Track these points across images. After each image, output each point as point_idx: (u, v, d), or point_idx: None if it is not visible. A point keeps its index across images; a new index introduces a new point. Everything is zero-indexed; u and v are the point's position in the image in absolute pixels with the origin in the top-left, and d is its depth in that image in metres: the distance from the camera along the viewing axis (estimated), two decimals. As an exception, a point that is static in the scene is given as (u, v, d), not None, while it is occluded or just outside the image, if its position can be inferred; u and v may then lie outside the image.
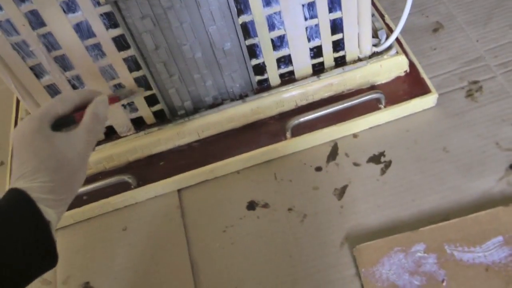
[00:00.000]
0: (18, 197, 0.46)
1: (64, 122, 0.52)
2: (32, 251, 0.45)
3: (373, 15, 0.76)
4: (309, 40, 0.68)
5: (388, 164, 0.68)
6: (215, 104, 0.73)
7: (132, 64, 0.66)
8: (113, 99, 0.63)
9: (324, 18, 0.66)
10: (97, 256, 0.69)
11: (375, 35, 0.73)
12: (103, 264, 0.68)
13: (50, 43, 0.62)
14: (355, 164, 0.68)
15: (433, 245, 0.60)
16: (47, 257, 0.47)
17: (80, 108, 0.54)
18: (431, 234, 0.61)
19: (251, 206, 0.68)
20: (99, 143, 0.73)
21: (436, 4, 0.84)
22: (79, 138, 0.52)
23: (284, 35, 0.67)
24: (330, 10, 0.66)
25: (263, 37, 0.66)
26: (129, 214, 0.71)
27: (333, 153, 0.70)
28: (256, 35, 0.66)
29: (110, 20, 0.61)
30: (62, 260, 0.65)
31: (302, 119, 0.68)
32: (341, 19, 0.67)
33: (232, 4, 0.62)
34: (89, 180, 0.71)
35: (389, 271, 0.60)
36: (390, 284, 0.59)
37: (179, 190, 0.72)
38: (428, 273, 0.59)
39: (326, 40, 0.68)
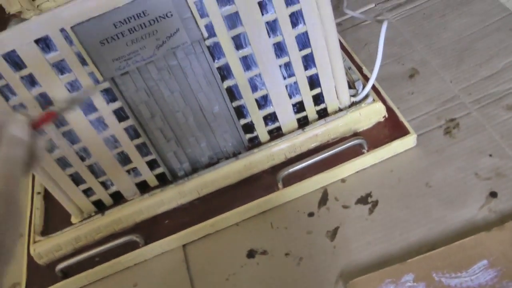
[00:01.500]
0: None
1: None
2: None
3: (349, 68, 0.82)
4: (290, 97, 0.74)
5: (375, 204, 0.72)
6: (211, 163, 0.78)
7: (132, 133, 0.72)
8: (48, 116, 0.50)
9: (301, 75, 0.72)
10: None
11: (352, 86, 0.79)
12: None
13: (58, 120, 0.69)
14: (345, 207, 0.73)
15: (422, 274, 0.64)
16: None
17: None
18: (419, 264, 0.65)
19: (251, 254, 0.72)
20: (107, 207, 0.79)
21: (411, 52, 0.90)
22: None
23: (266, 94, 0.73)
24: (306, 68, 0.72)
25: (248, 98, 0.73)
26: (138, 271, 0.76)
27: (324, 199, 0.75)
28: (241, 97, 0.72)
29: (109, 95, 0.68)
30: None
31: (291, 170, 0.73)
32: (317, 75, 0.73)
33: (215, 71, 0.69)
34: (101, 242, 0.77)
35: (382, 303, 0.63)
36: (384, 314, 0.62)
37: (184, 245, 0.77)
38: (419, 301, 0.62)
39: (306, 95, 0.74)
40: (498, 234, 0.64)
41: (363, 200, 0.73)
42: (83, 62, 0.64)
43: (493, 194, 0.69)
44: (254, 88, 0.72)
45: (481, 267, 0.63)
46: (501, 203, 0.68)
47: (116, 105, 0.69)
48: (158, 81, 0.68)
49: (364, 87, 0.77)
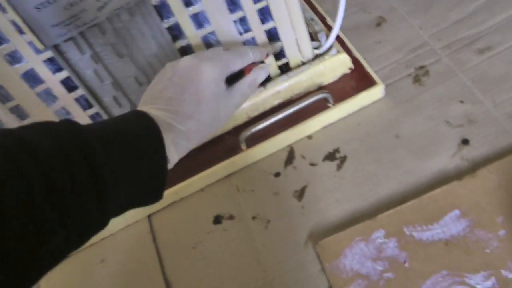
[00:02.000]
0: (147, 121, 0.48)
1: (233, 77, 0.56)
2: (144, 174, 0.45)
3: (312, 19, 0.78)
4: (244, 43, 0.70)
5: (343, 160, 0.69)
6: (173, 128, 0.75)
7: (85, 103, 0.69)
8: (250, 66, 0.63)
9: (258, 30, 0.68)
10: (81, 292, 0.71)
11: (315, 38, 0.75)
12: (86, 300, 0.70)
13: (2, 95, 0.65)
14: (312, 164, 0.70)
15: (393, 230, 0.61)
16: (154, 187, 0.47)
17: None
18: (390, 219, 0.62)
19: (217, 220, 0.69)
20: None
21: (376, 0, 0.86)
22: (235, 99, 0.56)
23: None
24: (263, 22, 0.68)
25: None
26: (105, 246, 0.73)
27: (290, 157, 0.72)
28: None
29: (54, 65, 0.64)
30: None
31: (254, 129, 0.70)
32: (275, 28, 0.69)
33: (165, 31, 0.65)
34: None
35: (352, 261, 0.61)
36: (355, 273, 0.60)
37: (149, 216, 0.74)
38: (390, 257, 0.60)
39: (264, 50, 0.70)
40: (470, 182, 0.62)
41: (330, 157, 0.70)
42: (20, 31, 0.60)
43: (465, 142, 0.66)
44: (209, 46, 0.68)
45: (453, 217, 0.60)
46: (473, 150, 0.65)
47: (63, 74, 0.65)
48: (104, 46, 0.64)
49: (327, 38, 0.73)
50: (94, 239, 0.73)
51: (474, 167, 0.63)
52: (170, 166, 0.50)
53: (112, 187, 0.42)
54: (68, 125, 0.43)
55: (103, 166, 0.41)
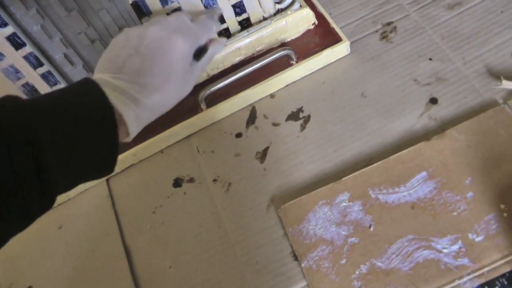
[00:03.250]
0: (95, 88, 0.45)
1: (199, 52, 0.55)
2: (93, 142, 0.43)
3: (274, -29, 0.74)
4: (206, 8, 0.66)
5: (307, 119, 0.66)
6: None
7: (34, 61, 0.64)
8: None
9: (218, -19, 0.64)
10: (37, 258, 0.67)
11: (278, -8, 0.71)
12: (43, 266, 0.67)
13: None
14: (274, 125, 0.67)
15: (357, 193, 0.59)
16: (106, 157, 0.45)
17: None
18: (354, 182, 0.60)
19: (177, 183, 0.66)
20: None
21: (343, -48, 0.81)
22: (197, 72, 0.55)
23: (179, 7, 0.65)
24: (223, -28, 0.64)
25: (158, 13, 0.64)
26: (62, 212, 0.70)
27: (252, 117, 0.68)
28: (150, 12, 0.64)
29: (-1, 20, 0.59)
30: (2, 268, 0.65)
31: (213, 88, 0.66)
32: (236, -20, 0.65)
33: (116, -18, 0.60)
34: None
35: (316, 226, 0.58)
36: (318, 239, 0.58)
37: (107, 179, 0.70)
38: (355, 221, 0.58)
39: (224, 4, 0.66)
40: (438, 143, 0.59)
41: (294, 116, 0.67)
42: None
43: (433, 100, 0.63)
44: (164, 1, 0.64)
45: (420, 179, 0.58)
46: (442, 109, 0.63)
47: (8, 30, 0.60)
48: (51, 0, 0.59)
49: (290, -8, 0.70)
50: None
51: (442, 127, 0.61)
52: (129, 139, 0.48)
53: (56, 168, 0.40)
54: (8, 104, 0.40)
55: (45, 149, 0.39)
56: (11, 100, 0.41)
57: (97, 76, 0.49)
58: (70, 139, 0.41)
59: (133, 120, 0.47)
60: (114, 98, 0.45)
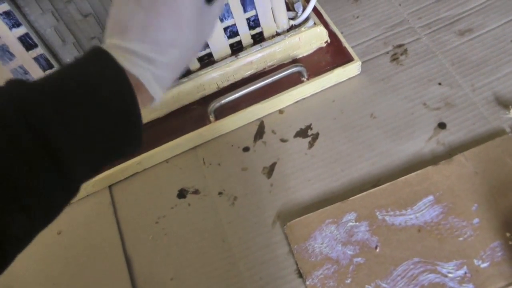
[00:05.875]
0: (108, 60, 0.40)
1: None
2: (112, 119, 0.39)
3: (289, -13, 0.74)
4: (222, 21, 0.66)
5: (315, 137, 0.66)
6: (137, 95, 0.70)
7: (44, 63, 0.64)
8: None
9: (233, -5, 0.64)
10: (35, 264, 0.66)
11: (291, 8, 0.71)
12: (41, 271, 0.65)
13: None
14: (282, 140, 0.67)
15: (364, 213, 0.59)
16: (127, 128, 0.41)
17: None
18: (362, 202, 0.60)
19: (182, 194, 0.66)
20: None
21: (356, -28, 0.82)
22: (215, 13, 0.47)
23: (195, 17, 0.65)
24: (238, -13, 0.64)
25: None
26: (62, 217, 0.67)
27: (260, 132, 0.68)
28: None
29: (11, 19, 0.59)
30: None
31: (223, 101, 0.66)
32: (251, -5, 0.65)
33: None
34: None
35: (322, 245, 0.58)
36: (324, 257, 0.58)
37: (110, 186, 0.70)
38: (361, 241, 0.58)
39: (239, 18, 0.66)
40: (446, 168, 0.60)
41: (302, 133, 0.67)
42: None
43: (442, 125, 0.64)
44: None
45: (427, 203, 0.58)
46: (450, 135, 0.63)
47: (21, 31, 0.60)
48: (66, 3, 0.59)
49: (304, 9, 0.70)
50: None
51: (450, 152, 0.61)
52: (156, 103, 0.44)
53: (70, 150, 0.37)
54: (14, 88, 0.37)
55: (52, 130, 0.36)
56: (13, 84, 0.38)
57: (106, 42, 0.43)
58: (80, 114, 0.38)
59: (152, 81, 0.42)
60: (125, 62, 0.41)
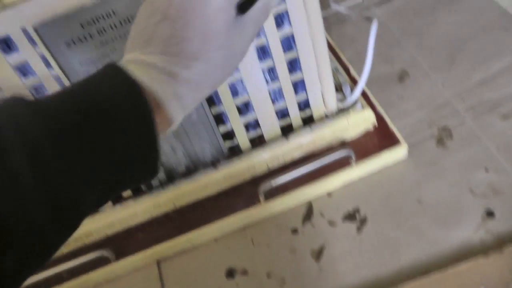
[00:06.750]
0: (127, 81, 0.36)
1: (243, 3, 0.41)
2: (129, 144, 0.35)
3: (336, 69, 0.76)
4: (273, 103, 0.68)
5: (363, 221, 0.67)
6: (188, 172, 0.72)
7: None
8: None
9: (285, 80, 0.67)
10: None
11: (339, 89, 0.73)
12: None
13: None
14: (331, 224, 0.68)
15: (415, 303, 0.59)
16: (141, 152, 0.36)
17: None
18: (412, 291, 0.60)
19: (230, 273, 0.67)
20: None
21: (400, 51, 0.84)
22: (249, 30, 0.42)
23: (248, 100, 0.67)
24: (291, 72, 0.66)
25: (228, 104, 0.67)
26: (110, 289, 0.70)
27: (308, 214, 0.70)
28: (221, 103, 0.66)
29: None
30: None
31: (275, 184, 0.68)
32: (302, 79, 0.67)
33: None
34: (69, 256, 0.70)
35: (372, 333, 0.59)
36: None
37: (158, 261, 0.71)
38: (411, 332, 0.58)
39: (290, 101, 0.68)
40: (497, 259, 0.60)
41: (350, 217, 0.68)
42: (48, 64, 0.57)
43: (490, 214, 0.65)
44: (235, 94, 0.66)
45: (478, 295, 0.58)
46: (498, 224, 0.63)
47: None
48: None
49: (351, 90, 0.72)
50: (98, 280, 0.70)
51: (499, 243, 0.62)
52: (174, 126, 0.39)
53: (67, 176, 0.33)
54: (10, 106, 0.34)
55: (48, 155, 0.33)
56: (14, 102, 0.35)
57: (125, 57, 0.40)
58: (83, 137, 0.34)
59: (173, 99, 0.38)
60: (144, 76, 0.37)
